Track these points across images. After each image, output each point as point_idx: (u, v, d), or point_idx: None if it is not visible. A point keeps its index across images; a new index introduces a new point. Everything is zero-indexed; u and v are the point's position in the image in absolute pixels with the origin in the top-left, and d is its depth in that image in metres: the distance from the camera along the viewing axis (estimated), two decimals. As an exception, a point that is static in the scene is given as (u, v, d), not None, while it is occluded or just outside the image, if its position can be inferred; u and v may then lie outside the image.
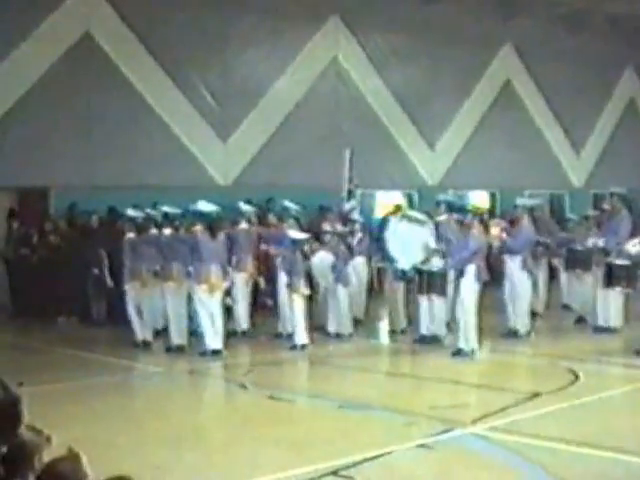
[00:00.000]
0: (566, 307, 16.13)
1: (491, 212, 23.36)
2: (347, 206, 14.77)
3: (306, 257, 13.26)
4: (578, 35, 25.18)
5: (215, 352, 12.64)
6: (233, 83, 19.85)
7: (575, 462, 7.46)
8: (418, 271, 13.09)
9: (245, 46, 20.02)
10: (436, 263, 12.74)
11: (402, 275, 13.98)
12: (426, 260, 12.88)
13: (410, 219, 13.46)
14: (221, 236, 13.09)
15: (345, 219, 15.31)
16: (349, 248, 14.52)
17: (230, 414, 9.54)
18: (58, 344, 14.20)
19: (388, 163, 22.49)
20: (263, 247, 14.65)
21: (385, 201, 21.74)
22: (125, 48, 18.34)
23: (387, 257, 13.84)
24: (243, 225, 14.62)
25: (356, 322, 15.05)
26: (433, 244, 13.05)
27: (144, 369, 12.51)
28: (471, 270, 12.26)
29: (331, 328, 13.98)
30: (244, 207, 14.97)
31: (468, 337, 12.26)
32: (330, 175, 17.84)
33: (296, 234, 13.43)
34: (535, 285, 14.64)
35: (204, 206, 13.16)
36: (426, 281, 12.96)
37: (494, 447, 7.87)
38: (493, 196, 24.64)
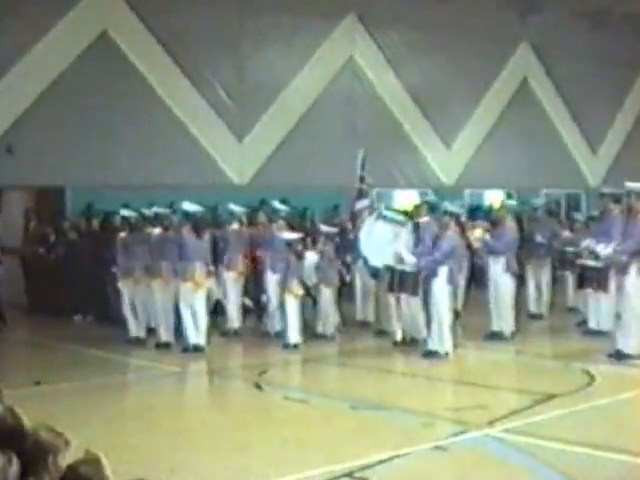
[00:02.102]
0: (572, 309, 15.94)
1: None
2: (358, 205, 14.75)
3: (299, 257, 13.32)
4: (595, 33, 25.07)
5: (197, 348, 12.97)
6: (249, 82, 19.86)
7: (591, 465, 7.41)
8: (391, 270, 13.06)
9: (261, 45, 20.02)
10: (410, 263, 12.68)
11: (374, 273, 14.04)
12: (401, 261, 12.84)
13: (387, 219, 13.45)
14: (206, 235, 13.45)
15: (355, 219, 15.29)
16: (337, 249, 14.51)
17: (245, 415, 9.52)
18: (74, 342, 14.25)
19: (404, 162, 22.47)
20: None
21: (402, 200, 21.69)
22: (142, 47, 18.38)
23: (359, 256, 13.92)
24: (234, 225, 14.85)
25: (366, 324, 15.02)
26: (409, 245, 13.02)
27: (160, 369, 12.53)
28: (443, 272, 12.19)
29: (326, 328, 14.07)
30: (235, 208, 15.16)
31: (442, 339, 12.18)
32: (346, 174, 17.78)
33: (289, 235, 13.53)
34: (521, 286, 14.58)
35: (189, 206, 13.50)
36: (397, 280, 12.92)
37: (510, 449, 7.82)
38: (509, 196, 24.55)
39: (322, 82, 21.13)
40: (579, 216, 17.29)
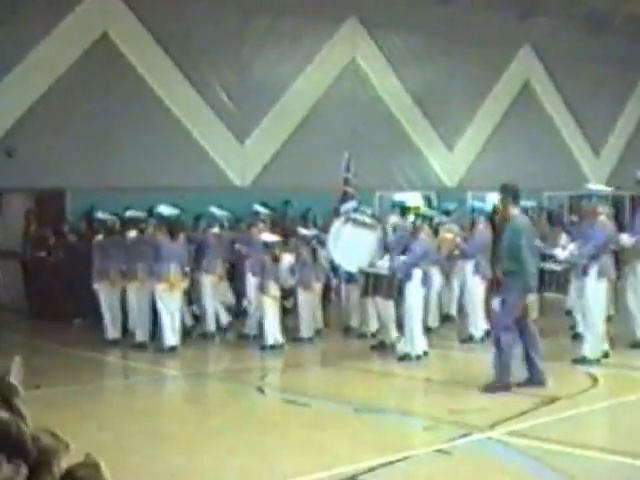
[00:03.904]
0: (569, 313, 15.76)
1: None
2: (344, 208, 14.74)
3: (275, 260, 13.39)
4: (597, 35, 25.05)
5: (172, 348, 13.28)
6: (251, 84, 19.81)
7: (594, 467, 7.38)
8: (365, 274, 13.06)
9: (263, 47, 19.99)
10: (383, 266, 12.68)
11: (348, 277, 14.11)
12: (372, 264, 12.84)
13: (356, 222, 13.47)
14: (181, 238, 13.82)
15: None
16: (314, 252, 14.55)
17: (248, 418, 9.47)
18: (74, 346, 14.23)
19: (406, 164, 22.43)
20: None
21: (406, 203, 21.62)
22: (142, 49, 18.33)
23: (329, 260, 14.02)
24: (214, 229, 15.02)
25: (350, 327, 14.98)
26: (379, 247, 13.04)
27: (160, 372, 12.50)
28: (417, 274, 12.18)
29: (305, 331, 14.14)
30: (217, 212, 15.27)
31: (413, 342, 12.15)
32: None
33: (267, 237, 13.64)
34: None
35: (165, 209, 13.92)
36: (372, 284, 12.89)
37: (513, 452, 7.78)
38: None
39: (324, 84, 21.09)
40: (574, 219, 17.16)
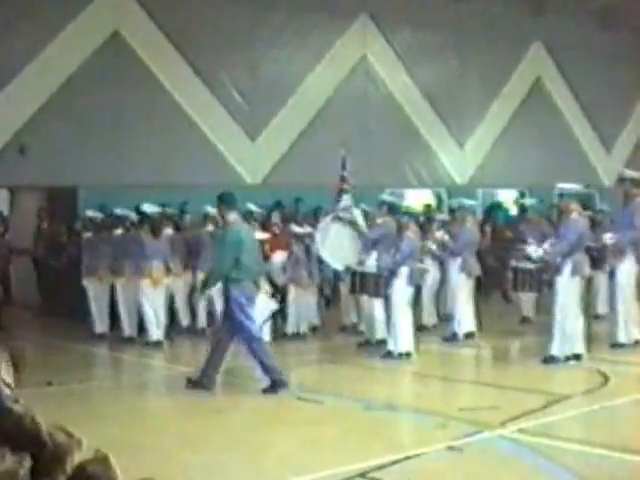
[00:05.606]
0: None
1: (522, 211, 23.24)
2: (340, 205, 14.77)
3: (265, 257, 13.51)
4: (609, 32, 24.98)
5: (157, 343, 13.83)
6: (262, 81, 19.81)
7: (605, 466, 7.37)
8: (352, 272, 13.12)
9: (274, 44, 19.99)
10: (371, 264, 12.72)
11: (336, 276, 14.33)
12: (360, 262, 12.90)
13: (343, 221, 13.56)
14: (163, 235, 14.35)
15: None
16: (307, 250, 14.62)
17: (258, 415, 9.51)
18: (86, 343, 14.29)
19: (417, 162, 22.40)
20: None
21: (415, 200, 21.65)
22: (154, 47, 18.34)
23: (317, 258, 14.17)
24: (209, 227, 15.11)
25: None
26: (366, 246, 13.13)
27: (172, 369, 12.55)
28: (403, 272, 12.23)
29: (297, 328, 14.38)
30: (211, 210, 15.35)
31: (399, 340, 12.18)
32: (358, 174, 17.75)
33: (257, 235, 13.68)
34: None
35: (148, 208, 14.45)
36: (359, 282, 12.93)
37: (523, 450, 7.79)
38: (522, 195, 24.49)
39: (334, 81, 21.07)
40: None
